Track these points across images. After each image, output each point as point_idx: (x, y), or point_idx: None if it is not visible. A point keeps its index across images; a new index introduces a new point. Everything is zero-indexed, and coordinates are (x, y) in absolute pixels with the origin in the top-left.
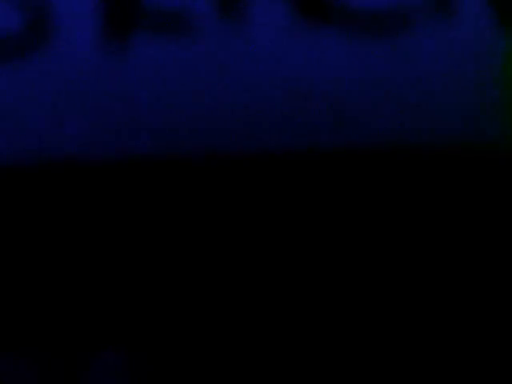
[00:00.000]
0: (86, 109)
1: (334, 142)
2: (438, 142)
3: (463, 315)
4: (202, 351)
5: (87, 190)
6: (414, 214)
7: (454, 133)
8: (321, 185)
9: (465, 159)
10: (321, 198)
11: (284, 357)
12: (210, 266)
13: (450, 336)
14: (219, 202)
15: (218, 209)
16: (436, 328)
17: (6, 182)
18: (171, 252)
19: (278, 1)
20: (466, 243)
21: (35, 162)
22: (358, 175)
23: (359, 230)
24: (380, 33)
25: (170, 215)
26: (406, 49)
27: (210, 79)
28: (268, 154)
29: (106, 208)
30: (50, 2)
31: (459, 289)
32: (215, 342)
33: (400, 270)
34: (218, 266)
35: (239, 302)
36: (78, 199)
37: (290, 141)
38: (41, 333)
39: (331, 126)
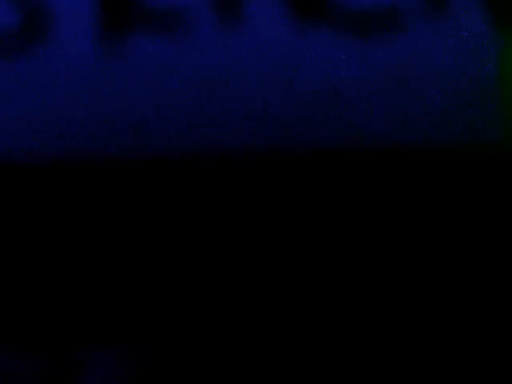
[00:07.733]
0: (83, 107)
1: (332, 140)
2: (434, 141)
3: (463, 314)
4: (202, 348)
5: (84, 188)
6: (413, 214)
7: (451, 132)
8: (320, 185)
9: (462, 159)
10: (320, 197)
11: (284, 353)
12: (210, 263)
13: (449, 333)
14: (221, 200)
15: (217, 207)
16: (435, 325)
17: (2, 178)
18: (171, 250)
19: (275, 0)
20: (467, 242)
21: (32, 159)
22: (358, 175)
23: (358, 229)
24: (375, 31)
25: (168, 213)
26: (400, 48)
27: (208, 77)
28: (272, 152)
29: (106, 206)
30: (48, 1)
31: (458, 288)
32: (214, 338)
33: (399, 269)
34: (218, 264)
35: (238, 299)
36: (76, 197)
37: (290, 139)
38: (40, 331)
39: (329, 122)
